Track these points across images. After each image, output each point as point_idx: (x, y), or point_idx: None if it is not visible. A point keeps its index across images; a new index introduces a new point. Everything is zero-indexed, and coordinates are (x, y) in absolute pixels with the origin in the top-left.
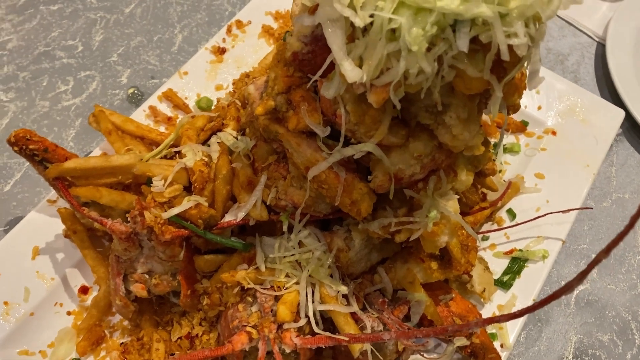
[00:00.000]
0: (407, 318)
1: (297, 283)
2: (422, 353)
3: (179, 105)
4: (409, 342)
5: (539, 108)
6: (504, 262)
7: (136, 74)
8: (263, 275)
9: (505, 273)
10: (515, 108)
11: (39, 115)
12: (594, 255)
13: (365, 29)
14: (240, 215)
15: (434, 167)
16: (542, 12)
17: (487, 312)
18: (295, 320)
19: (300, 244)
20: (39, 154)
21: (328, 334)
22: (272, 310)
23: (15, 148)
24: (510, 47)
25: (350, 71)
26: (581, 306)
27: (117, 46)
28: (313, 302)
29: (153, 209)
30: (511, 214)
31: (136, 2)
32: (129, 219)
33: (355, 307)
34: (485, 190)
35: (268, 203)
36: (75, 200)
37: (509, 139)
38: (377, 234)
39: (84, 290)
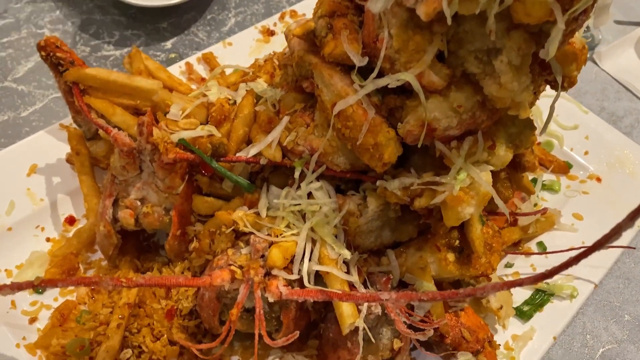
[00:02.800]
0: (410, 309)
1: (297, 235)
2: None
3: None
4: (407, 330)
5: (586, 153)
6: (526, 293)
7: (181, 43)
8: (262, 221)
9: (526, 303)
10: (571, 82)
11: None
12: (627, 316)
13: None
14: (252, 151)
15: (472, 126)
16: None
17: (499, 339)
18: (287, 271)
19: (309, 196)
20: (64, 64)
21: (319, 287)
22: (263, 256)
23: (43, 53)
24: None
25: None
26: None
27: (169, 16)
28: (310, 260)
29: (164, 128)
30: (542, 247)
31: None
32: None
33: (355, 278)
34: (517, 203)
35: (285, 144)
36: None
37: (549, 178)
38: (396, 196)
39: (71, 221)
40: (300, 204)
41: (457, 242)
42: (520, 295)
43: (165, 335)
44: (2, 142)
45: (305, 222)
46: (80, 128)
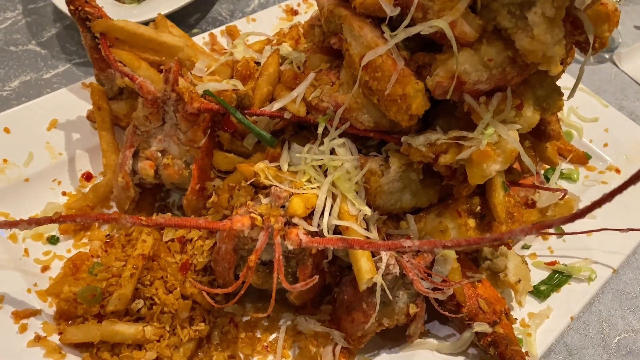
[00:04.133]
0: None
1: (317, 189)
2: (439, 307)
3: None
4: (425, 289)
5: (605, 145)
6: (544, 274)
7: (204, 20)
8: (283, 174)
9: (543, 283)
10: (602, 43)
11: None
12: None
13: None
14: (277, 105)
15: (501, 82)
16: None
17: (515, 316)
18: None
19: (331, 153)
20: (92, 19)
21: (340, 236)
22: (283, 207)
23: (72, 7)
24: None
25: None
26: (622, 354)
27: None
28: (330, 214)
29: (190, 79)
30: (560, 230)
31: None
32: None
33: (374, 235)
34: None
35: (309, 100)
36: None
37: (567, 167)
38: (420, 152)
39: (88, 177)
40: (322, 159)
41: (479, 208)
42: (538, 275)
43: (178, 289)
44: (23, 101)
45: (326, 178)
46: (102, 87)
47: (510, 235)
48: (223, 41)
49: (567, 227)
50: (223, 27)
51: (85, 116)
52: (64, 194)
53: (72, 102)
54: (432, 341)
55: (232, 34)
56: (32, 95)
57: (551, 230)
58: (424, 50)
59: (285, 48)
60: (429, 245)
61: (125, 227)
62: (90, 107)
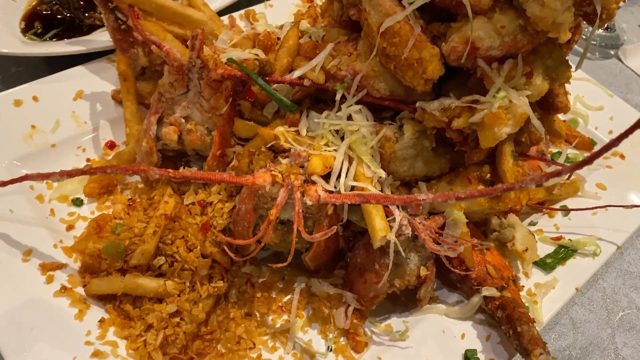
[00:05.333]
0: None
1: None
2: (449, 265)
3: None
4: (437, 247)
5: (610, 132)
6: (549, 248)
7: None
8: (302, 138)
9: (549, 256)
10: (609, 14)
11: None
12: None
13: None
14: (297, 73)
15: (512, 50)
16: None
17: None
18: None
19: (348, 119)
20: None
21: (356, 192)
22: (302, 167)
23: None
24: None
25: None
26: (625, 329)
27: None
28: (347, 176)
29: (214, 48)
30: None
31: None
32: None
33: None
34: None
35: (328, 68)
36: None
37: (573, 152)
38: (434, 117)
39: (111, 145)
40: (339, 124)
41: (488, 175)
42: (544, 250)
43: (199, 248)
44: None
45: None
46: None
47: (522, 184)
48: (241, 24)
49: (572, 207)
50: (242, 11)
51: (110, 96)
52: (87, 160)
53: (97, 75)
54: (441, 306)
55: (250, 18)
56: (57, 71)
57: (559, 215)
58: (440, 20)
59: (304, 24)
60: (442, 198)
61: (153, 177)
62: (114, 87)
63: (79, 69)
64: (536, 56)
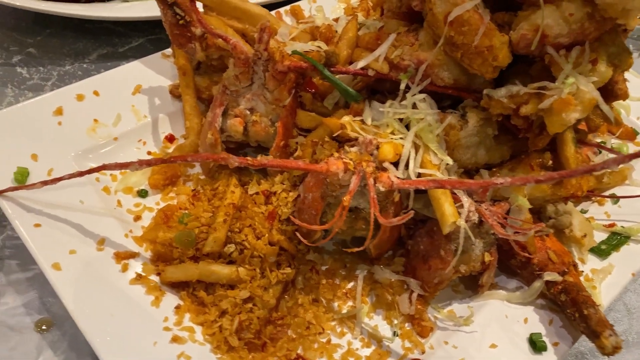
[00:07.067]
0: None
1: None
2: (516, 252)
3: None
4: (505, 232)
5: None
6: (603, 236)
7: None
8: (368, 127)
9: (603, 243)
10: None
11: None
12: None
13: None
14: (361, 64)
15: (580, 37)
16: None
17: None
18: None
19: (413, 108)
20: None
21: (430, 177)
22: (372, 154)
23: None
24: None
25: None
26: None
27: None
28: (414, 165)
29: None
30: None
31: None
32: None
33: None
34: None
35: (391, 58)
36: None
37: (616, 142)
38: (501, 104)
39: (171, 138)
40: (404, 112)
41: (550, 162)
42: (597, 237)
43: (266, 236)
44: (101, 72)
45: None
46: None
47: (604, 165)
48: (287, 20)
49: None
50: (287, 7)
51: (168, 90)
52: (148, 153)
53: (153, 69)
54: (502, 292)
55: (295, 14)
56: (110, 67)
57: (609, 203)
58: (505, 9)
59: (361, 17)
60: (520, 182)
61: (233, 165)
62: (171, 82)
63: (135, 64)
64: (600, 43)
